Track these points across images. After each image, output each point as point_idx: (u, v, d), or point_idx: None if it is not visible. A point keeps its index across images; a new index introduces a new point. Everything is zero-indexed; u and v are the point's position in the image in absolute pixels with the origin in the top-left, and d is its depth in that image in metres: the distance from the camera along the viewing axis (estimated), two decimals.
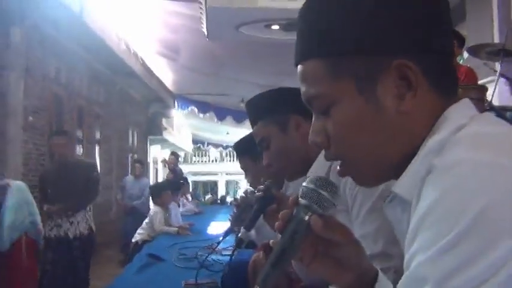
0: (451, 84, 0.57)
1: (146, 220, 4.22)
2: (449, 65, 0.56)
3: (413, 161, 0.53)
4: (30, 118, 5.88)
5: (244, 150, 1.87)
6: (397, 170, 0.55)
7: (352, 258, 0.61)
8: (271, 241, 0.60)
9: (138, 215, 6.30)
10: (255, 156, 1.78)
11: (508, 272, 0.40)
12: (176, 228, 4.01)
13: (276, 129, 1.26)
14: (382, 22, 0.52)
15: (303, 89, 0.59)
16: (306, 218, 0.57)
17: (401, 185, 0.53)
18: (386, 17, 0.52)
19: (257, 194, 1.26)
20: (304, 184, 0.59)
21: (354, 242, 0.61)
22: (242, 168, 1.92)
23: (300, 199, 0.59)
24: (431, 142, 0.51)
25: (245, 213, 1.40)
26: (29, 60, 5.80)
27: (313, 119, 0.60)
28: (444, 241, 0.42)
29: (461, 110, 0.53)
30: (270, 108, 1.28)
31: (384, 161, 0.56)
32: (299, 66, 0.59)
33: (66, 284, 3.75)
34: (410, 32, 0.52)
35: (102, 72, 8.70)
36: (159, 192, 4.40)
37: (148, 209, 5.94)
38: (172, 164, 8.19)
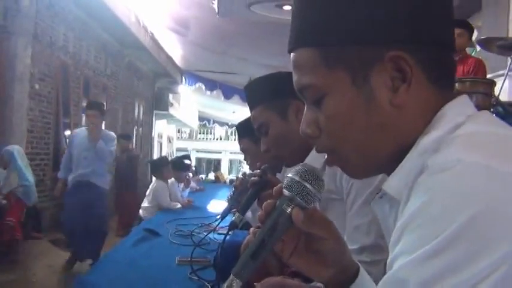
0: (449, 79, 0.55)
1: (149, 195, 4.22)
2: (447, 59, 0.54)
3: (406, 159, 0.51)
4: (37, 86, 5.87)
5: (245, 131, 1.86)
6: (388, 163, 0.54)
7: (333, 254, 0.60)
8: (251, 229, 0.60)
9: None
10: (255, 138, 1.77)
11: (490, 284, 0.38)
12: (179, 205, 4.05)
13: (275, 114, 1.24)
14: (377, 12, 0.50)
15: (295, 77, 0.57)
16: (289, 210, 0.56)
17: (392, 184, 0.52)
18: (382, 7, 0.50)
19: (252, 178, 1.25)
20: (289, 175, 0.58)
21: (335, 237, 0.60)
22: (242, 149, 1.91)
23: (283, 190, 0.58)
24: (426, 140, 0.50)
25: (243, 195, 1.41)
26: (37, 26, 5.76)
27: (305, 109, 0.59)
28: (429, 246, 0.41)
29: (458, 108, 0.52)
30: (270, 93, 1.25)
31: (374, 155, 0.54)
32: (292, 54, 0.57)
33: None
34: (406, 22, 0.50)
35: (111, 43, 8.65)
36: (160, 166, 4.40)
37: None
38: (125, 147, 7.17)
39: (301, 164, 0.60)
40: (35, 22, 5.71)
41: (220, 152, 26.08)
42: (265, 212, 0.58)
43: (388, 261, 0.46)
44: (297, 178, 0.57)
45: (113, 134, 4.76)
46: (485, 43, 2.73)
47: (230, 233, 1.25)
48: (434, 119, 0.51)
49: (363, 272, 0.63)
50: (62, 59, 6.70)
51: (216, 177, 12.40)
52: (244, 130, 1.88)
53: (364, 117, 0.52)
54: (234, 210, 1.61)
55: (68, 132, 7.12)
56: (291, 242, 0.59)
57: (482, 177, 0.41)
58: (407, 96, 0.51)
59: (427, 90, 0.52)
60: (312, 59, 0.54)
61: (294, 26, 0.57)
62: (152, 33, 8.78)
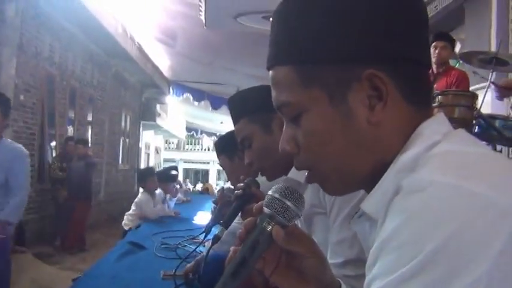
0: (425, 96, 0.55)
1: (133, 207, 4.18)
2: (423, 76, 0.54)
3: (383, 177, 0.51)
4: (22, 97, 5.81)
5: (222, 148, 1.88)
6: (366, 181, 0.54)
7: (314, 271, 0.60)
8: (231, 247, 0.59)
9: None
10: (230, 154, 1.80)
11: None
12: (166, 210, 4.04)
13: (258, 127, 1.24)
14: (353, 31, 0.51)
15: (273, 94, 0.57)
16: (269, 228, 0.56)
17: (370, 203, 0.52)
18: (358, 27, 0.51)
19: (236, 192, 1.24)
20: (269, 193, 0.58)
21: (316, 255, 0.60)
22: (221, 165, 1.92)
23: (264, 208, 0.57)
24: (403, 159, 0.50)
25: (224, 209, 1.40)
26: (22, 36, 5.72)
27: (284, 126, 0.59)
28: (405, 269, 0.40)
29: (435, 126, 0.52)
30: (253, 106, 1.25)
31: (353, 173, 0.54)
32: (270, 71, 0.57)
33: None
34: (381, 41, 0.51)
35: (98, 54, 8.62)
36: (144, 177, 4.36)
37: None
38: (82, 153, 6.59)
39: (283, 180, 0.60)
40: (20, 32, 5.67)
41: (208, 163, 26.00)
42: (246, 230, 0.57)
43: (365, 284, 0.46)
44: (277, 195, 0.57)
45: (21, 148, 3.00)
46: (467, 57, 2.78)
47: (212, 248, 1.24)
48: (411, 137, 0.51)
49: None
50: (48, 70, 6.65)
51: (206, 189, 12.20)
52: (221, 147, 1.89)
53: (341, 136, 0.52)
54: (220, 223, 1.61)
55: (54, 144, 7.04)
56: (272, 260, 0.59)
57: (454, 198, 0.41)
58: (384, 114, 0.51)
59: (403, 108, 0.52)
60: (290, 77, 0.54)
61: (272, 43, 0.57)
62: (139, 44, 8.77)
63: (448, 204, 0.41)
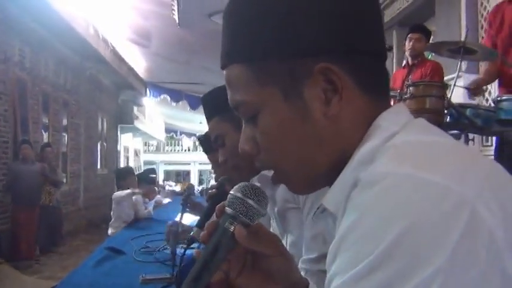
0: (382, 87, 0.54)
1: (112, 211, 4.12)
2: (379, 67, 0.54)
3: (342, 172, 0.50)
4: None
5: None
6: (329, 177, 0.52)
7: (281, 271, 0.58)
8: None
9: None
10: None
11: None
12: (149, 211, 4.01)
13: (231, 125, 1.23)
14: (300, 24, 0.49)
15: (228, 94, 0.56)
16: (232, 228, 0.54)
17: (329, 199, 0.51)
18: (304, 19, 0.49)
19: (210, 191, 1.23)
20: (231, 192, 0.56)
21: (282, 254, 0.59)
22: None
23: (226, 208, 0.56)
24: (361, 152, 0.49)
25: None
26: None
27: (242, 126, 0.57)
28: (361, 265, 0.39)
29: (393, 117, 0.51)
30: (225, 104, 1.24)
31: (314, 170, 0.53)
32: (225, 71, 0.56)
33: None
34: (332, 34, 0.50)
35: (70, 57, 8.45)
36: (124, 176, 4.30)
37: None
38: (29, 155, 6.11)
39: (255, 178, 0.59)
40: None
41: (189, 163, 25.85)
42: (208, 231, 0.56)
43: (326, 281, 0.45)
44: (239, 195, 0.55)
45: None
46: (436, 47, 2.82)
47: (188, 249, 1.22)
48: (369, 129, 0.50)
49: (312, 286, 0.62)
50: (18, 75, 6.48)
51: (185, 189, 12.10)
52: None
53: (299, 132, 0.51)
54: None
55: None
56: (237, 262, 0.57)
57: (410, 189, 0.40)
58: (340, 107, 0.50)
59: (360, 100, 0.51)
60: (243, 75, 0.53)
61: (225, 43, 0.55)
62: (113, 46, 8.63)
63: (402, 196, 0.40)
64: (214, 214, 1.24)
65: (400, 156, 0.45)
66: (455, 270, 0.38)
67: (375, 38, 0.53)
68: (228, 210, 0.55)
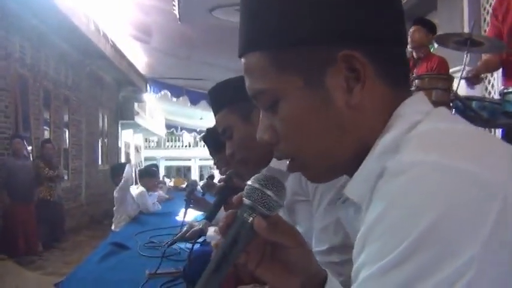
0: (403, 76, 0.53)
1: (115, 208, 4.11)
2: (400, 55, 0.53)
3: (365, 161, 0.49)
4: None
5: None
6: (349, 166, 0.52)
7: (300, 262, 0.58)
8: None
9: None
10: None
11: None
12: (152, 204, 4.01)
13: (239, 117, 1.23)
14: (323, 11, 0.49)
15: (247, 83, 0.55)
16: (250, 219, 0.53)
17: (353, 188, 0.50)
18: (328, 5, 0.49)
19: (218, 184, 1.23)
20: (248, 183, 0.55)
21: (301, 245, 0.58)
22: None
23: (244, 199, 0.55)
24: (384, 141, 0.48)
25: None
26: None
27: (260, 114, 0.56)
28: (392, 255, 0.39)
29: (415, 105, 0.50)
30: (233, 97, 1.23)
31: (334, 159, 0.52)
32: (243, 59, 0.55)
33: None
34: (356, 21, 0.49)
35: (71, 53, 8.43)
36: (119, 172, 4.28)
37: None
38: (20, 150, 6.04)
39: (271, 167, 0.58)
40: None
41: (190, 159, 25.86)
42: (226, 223, 0.55)
43: (353, 272, 0.45)
44: (256, 185, 0.54)
45: None
46: (442, 39, 2.81)
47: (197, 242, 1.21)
48: (391, 118, 0.50)
49: (331, 278, 0.62)
50: (19, 71, 6.47)
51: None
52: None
53: (320, 120, 0.51)
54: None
55: (30, 148, 6.86)
56: (256, 253, 0.57)
57: (440, 178, 0.40)
58: (362, 95, 0.49)
59: (381, 88, 0.50)
60: (263, 63, 0.52)
61: (243, 30, 0.54)
62: (113, 42, 8.61)
63: (432, 184, 0.39)
64: (223, 207, 1.24)
65: (426, 145, 0.44)
66: (489, 258, 0.37)
67: (395, 26, 0.52)
68: (247, 201, 0.54)
